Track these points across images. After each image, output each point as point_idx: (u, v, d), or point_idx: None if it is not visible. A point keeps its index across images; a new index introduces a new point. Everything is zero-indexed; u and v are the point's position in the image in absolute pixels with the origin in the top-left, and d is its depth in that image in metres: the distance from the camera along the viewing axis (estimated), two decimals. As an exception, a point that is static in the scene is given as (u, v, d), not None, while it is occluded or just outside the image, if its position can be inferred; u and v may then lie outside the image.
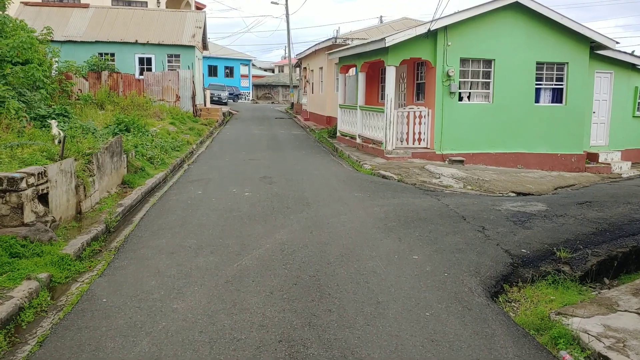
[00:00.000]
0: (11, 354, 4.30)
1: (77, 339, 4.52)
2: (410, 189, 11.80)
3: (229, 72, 57.79)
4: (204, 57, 39.56)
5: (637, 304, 5.55)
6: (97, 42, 27.82)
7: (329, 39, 26.04)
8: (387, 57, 15.93)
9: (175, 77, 25.35)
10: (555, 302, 5.87)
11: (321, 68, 28.74)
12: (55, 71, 20.57)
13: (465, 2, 17.88)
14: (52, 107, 14.57)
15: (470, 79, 16.38)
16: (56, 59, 20.12)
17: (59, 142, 9.18)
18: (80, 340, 4.48)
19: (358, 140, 18.74)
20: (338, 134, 21.37)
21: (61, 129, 11.58)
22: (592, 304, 5.72)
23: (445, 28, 15.65)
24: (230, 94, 49.48)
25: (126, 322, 4.83)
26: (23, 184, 6.64)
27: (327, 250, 7.02)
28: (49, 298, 5.44)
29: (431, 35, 15.74)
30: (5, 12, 16.19)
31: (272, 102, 61.16)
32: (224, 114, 31.18)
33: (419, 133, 16.50)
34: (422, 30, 15.56)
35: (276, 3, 45.45)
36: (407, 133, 16.52)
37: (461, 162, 15.80)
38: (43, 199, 7.23)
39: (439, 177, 13.24)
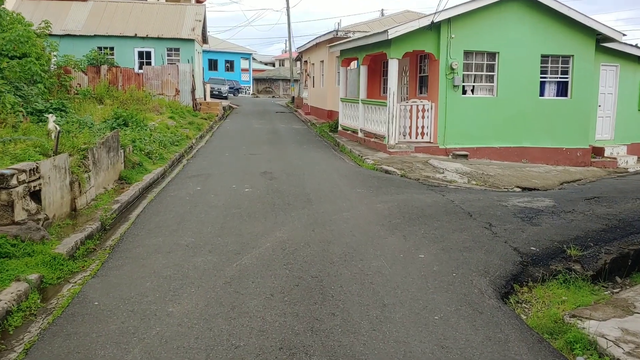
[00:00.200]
0: (-5, 362, 4.07)
1: (66, 346, 4.26)
2: (413, 184, 11.54)
3: (229, 66, 57.42)
4: (204, 51, 39.27)
5: (655, 306, 5.31)
6: (96, 35, 27.59)
7: (330, 32, 25.74)
8: (390, 50, 15.64)
9: (175, 71, 25.07)
10: (568, 303, 5.63)
11: (322, 61, 28.43)
12: (54, 65, 20.34)
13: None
14: (50, 101, 14.34)
15: (474, 72, 16.09)
16: (55, 53, 19.89)
17: (55, 137, 8.93)
18: (69, 348, 4.23)
19: (360, 135, 18.47)
20: (339, 128, 21.10)
21: (57, 124, 11.33)
22: (607, 305, 5.48)
23: (448, 20, 15.35)
24: (230, 88, 49.15)
25: (118, 327, 4.58)
26: (13, 181, 6.39)
27: (329, 249, 6.77)
28: (38, 300, 5.20)
29: (434, 28, 15.44)
30: (3, 6, 15.94)
31: (273, 96, 60.82)
32: (224, 108, 30.91)
33: (422, 127, 16.22)
34: (426, 22, 15.27)
35: (277, -4, 45.07)
36: (410, 127, 16.24)
37: (465, 156, 15.52)
38: (35, 196, 6.98)
39: (443, 172, 12.98)
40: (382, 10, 44.27)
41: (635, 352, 4.34)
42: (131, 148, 12.10)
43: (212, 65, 54.78)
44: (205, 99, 31.28)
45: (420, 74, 17.90)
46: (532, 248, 7.01)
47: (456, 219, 8.37)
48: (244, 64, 59.90)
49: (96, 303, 5.08)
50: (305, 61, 36.24)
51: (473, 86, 16.23)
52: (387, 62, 16.52)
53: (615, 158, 17.47)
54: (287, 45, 52.94)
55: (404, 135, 16.23)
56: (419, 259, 6.50)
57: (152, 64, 27.40)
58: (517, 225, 8.04)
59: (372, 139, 17.20)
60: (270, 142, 18.56)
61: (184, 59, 27.97)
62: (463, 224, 8.11)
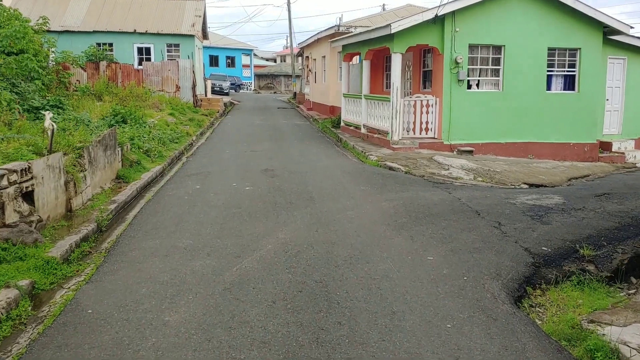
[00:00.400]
0: (-19, 377, 3.82)
1: (56, 359, 4.00)
2: (418, 181, 11.26)
3: (231, 62, 57.13)
4: (204, 47, 38.96)
5: (678, 310, 5.04)
6: (95, 32, 27.33)
7: (332, 27, 25.42)
8: (393, 44, 15.33)
9: (175, 67, 24.80)
10: (584, 307, 5.37)
11: (324, 57, 28.11)
12: (52, 62, 20.07)
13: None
14: (47, 98, 14.10)
15: (479, 66, 15.77)
16: (53, 50, 19.64)
17: (50, 135, 8.66)
18: (59, 362, 3.98)
19: (363, 130, 18.19)
20: (342, 123, 20.81)
21: (54, 121, 11.08)
22: (625, 309, 5.21)
23: (453, 13, 15.03)
24: (231, 84, 48.86)
25: (112, 337, 4.32)
26: (4, 182, 6.13)
27: (334, 251, 6.50)
28: (29, 308, 4.95)
29: (438, 21, 15.11)
30: (0, 2, 15.70)
31: (275, 92, 60.49)
32: (225, 104, 30.62)
33: (426, 122, 15.92)
34: (429, 15, 14.95)
35: (277, -9, 44.75)
36: (414, 123, 15.93)
37: (470, 152, 15.23)
38: (28, 197, 6.72)
39: (448, 169, 12.70)
40: (384, 4, 43.81)
41: (661, 362, 4.08)
42: (129, 146, 11.84)
43: (213, 61, 54.46)
44: (206, 95, 31.01)
45: (424, 69, 17.58)
46: (543, 248, 6.74)
47: (464, 218, 8.09)
48: (245, 60, 59.57)
49: (90, 311, 4.83)
50: (307, 57, 35.92)
51: (478, 80, 15.92)
52: (390, 57, 16.23)
53: (623, 153, 17.17)
54: (288, 40, 52.69)
55: (407, 131, 15.94)
56: (428, 261, 6.23)
57: (152, 60, 27.11)
58: (527, 224, 7.76)
59: (376, 135, 16.91)
60: (272, 138, 18.27)
61: (184, 55, 27.67)
62: (471, 223, 7.84)
